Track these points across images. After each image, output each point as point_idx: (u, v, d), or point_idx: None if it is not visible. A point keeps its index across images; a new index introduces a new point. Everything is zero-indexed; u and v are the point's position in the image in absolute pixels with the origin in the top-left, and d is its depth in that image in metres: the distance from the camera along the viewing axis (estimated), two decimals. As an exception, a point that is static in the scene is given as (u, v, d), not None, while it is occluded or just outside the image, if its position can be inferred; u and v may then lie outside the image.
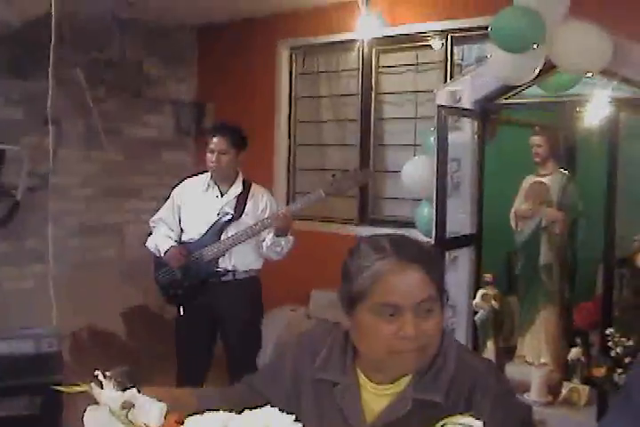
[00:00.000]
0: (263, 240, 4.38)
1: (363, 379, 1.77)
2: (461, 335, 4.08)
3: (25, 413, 3.72)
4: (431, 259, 1.71)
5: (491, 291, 3.96)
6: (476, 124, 4.07)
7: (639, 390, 1.58)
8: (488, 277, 3.98)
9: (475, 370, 1.71)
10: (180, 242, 4.49)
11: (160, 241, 4.50)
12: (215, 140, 4.38)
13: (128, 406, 1.50)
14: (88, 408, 1.52)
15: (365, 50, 5.59)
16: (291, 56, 6.07)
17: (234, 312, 4.41)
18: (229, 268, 4.42)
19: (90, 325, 5.79)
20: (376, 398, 1.75)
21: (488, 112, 4.05)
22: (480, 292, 3.98)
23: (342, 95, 5.88)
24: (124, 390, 1.55)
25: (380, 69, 5.65)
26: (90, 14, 5.31)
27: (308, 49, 5.99)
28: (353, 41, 5.54)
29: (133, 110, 6.21)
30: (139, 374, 1.71)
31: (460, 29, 5.08)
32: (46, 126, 4.79)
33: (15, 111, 5.54)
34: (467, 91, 4.00)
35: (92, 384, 1.53)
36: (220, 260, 4.42)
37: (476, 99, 3.99)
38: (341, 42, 5.67)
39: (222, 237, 4.42)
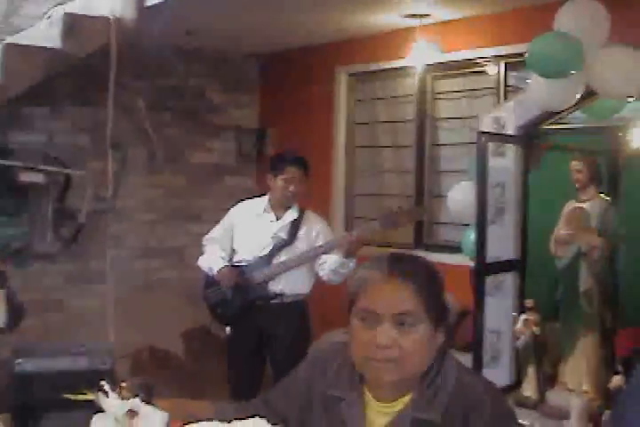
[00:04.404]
0: (323, 263, 4.45)
1: (368, 396, 1.83)
2: (505, 361, 4.09)
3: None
4: (426, 278, 1.77)
5: (532, 316, 3.96)
6: (519, 149, 4.10)
7: (631, 409, 1.61)
8: (529, 302, 3.99)
9: (473, 390, 1.74)
10: (230, 263, 4.60)
11: (213, 260, 4.60)
12: (292, 169, 4.47)
13: (132, 414, 1.60)
14: (95, 416, 1.63)
15: (421, 76, 5.65)
16: (349, 82, 6.16)
17: (280, 335, 4.47)
18: (278, 291, 4.48)
19: (150, 345, 5.93)
20: (379, 415, 1.80)
21: (531, 138, 4.06)
22: (521, 317, 3.99)
23: (399, 121, 5.94)
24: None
25: (435, 95, 5.70)
26: (150, 44, 5.50)
27: (366, 75, 6.08)
28: (409, 67, 5.59)
29: (196, 136, 6.38)
30: (153, 386, 1.81)
31: (514, 55, 5.08)
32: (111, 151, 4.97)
33: (82, 137, 5.75)
34: (510, 117, 4.02)
35: (99, 393, 1.64)
36: (269, 283, 4.50)
37: (519, 124, 4.00)
38: (397, 68, 5.74)
39: (274, 260, 4.50)
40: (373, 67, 5.90)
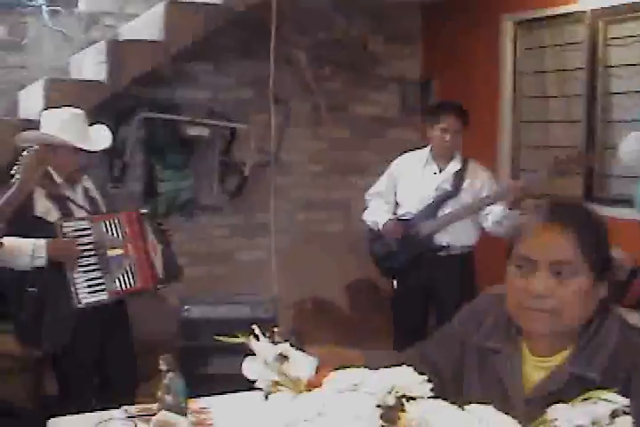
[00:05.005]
0: (487, 214, 4.37)
1: (524, 350, 1.77)
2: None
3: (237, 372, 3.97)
4: (588, 227, 1.69)
5: None
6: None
7: None
8: None
9: (638, 349, 1.66)
10: (395, 216, 4.58)
11: (377, 214, 4.61)
12: (449, 119, 4.41)
13: (282, 358, 1.60)
14: (246, 359, 1.65)
15: (591, 21, 5.38)
16: (515, 31, 5.95)
17: (447, 287, 4.45)
18: (444, 243, 4.46)
19: (314, 296, 6.01)
20: (535, 370, 1.75)
21: None
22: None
23: (568, 70, 5.70)
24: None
25: (607, 42, 5.42)
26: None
27: (533, 23, 5.84)
28: (578, 12, 5.35)
29: (359, 88, 6.33)
30: (304, 333, 1.81)
31: (693, -5, 4.78)
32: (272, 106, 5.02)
33: (246, 91, 5.80)
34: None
35: (251, 337, 1.65)
36: (435, 235, 4.46)
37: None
38: (566, 14, 5.49)
39: (439, 213, 4.46)
40: (540, 13, 5.66)
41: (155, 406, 2.32)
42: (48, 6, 5.08)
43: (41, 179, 3.43)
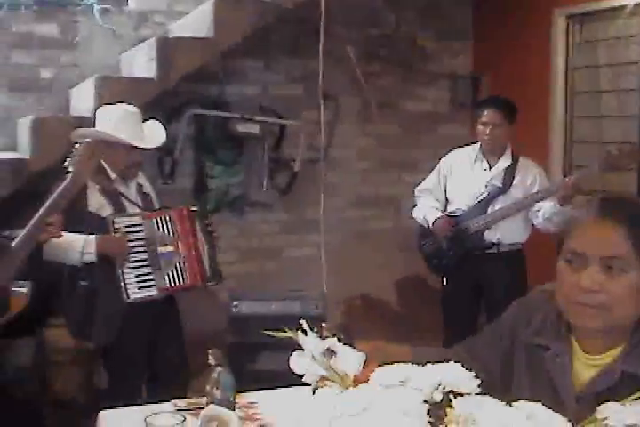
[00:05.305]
0: (538, 210, 4.33)
1: (575, 347, 1.74)
2: None
3: (283, 369, 3.98)
4: None
5: None
6: None
7: None
8: None
9: None
10: (444, 213, 4.55)
11: (427, 211, 4.59)
12: (488, 113, 4.38)
13: (330, 353, 1.60)
14: (293, 354, 1.65)
15: (646, 14, 5.30)
16: (567, 25, 5.87)
17: (497, 285, 4.41)
18: (494, 240, 4.42)
19: (363, 292, 6.00)
20: (585, 367, 1.72)
21: None
22: None
23: (622, 64, 5.61)
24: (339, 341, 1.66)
25: (663, 35, 5.33)
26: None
27: (586, 16, 5.76)
28: (634, 5, 5.26)
29: (408, 84, 6.30)
30: (353, 329, 1.81)
31: None
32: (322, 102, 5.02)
33: (296, 88, 5.82)
34: None
35: (299, 332, 1.65)
36: (485, 232, 4.43)
37: None
38: (620, 7, 5.40)
39: (489, 209, 4.43)
40: (593, 6, 5.58)
41: (204, 400, 2.34)
42: (99, 5, 5.13)
43: (95, 174, 3.47)
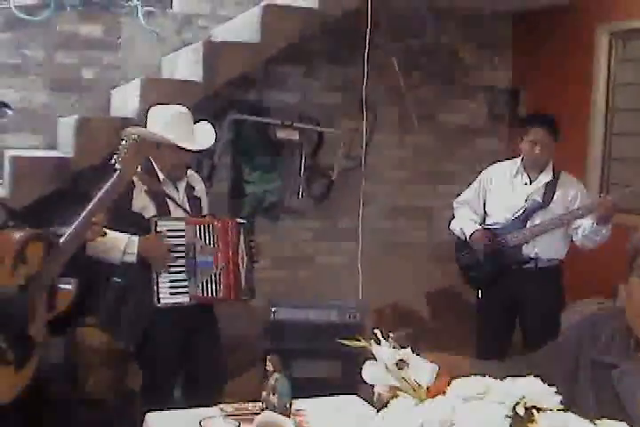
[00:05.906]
0: (577, 227, 4.30)
1: None
2: None
3: (326, 375, 3.98)
4: None
5: None
6: None
7: None
8: None
9: None
10: (483, 226, 4.53)
11: (465, 223, 4.57)
12: (537, 131, 4.35)
13: (402, 364, 1.59)
14: (366, 363, 1.63)
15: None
16: (610, 41, 5.84)
17: (534, 300, 4.37)
18: (532, 255, 4.38)
19: (395, 302, 5.98)
20: None
21: None
22: None
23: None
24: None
25: None
26: (406, 4, 5.47)
27: (629, 33, 5.73)
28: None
29: (447, 96, 6.29)
30: (420, 338, 1.79)
31: None
32: (362, 111, 5.02)
33: (335, 96, 5.83)
34: None
35: (372, 342, 1.64)
36: (523, 247, 4.40)
37: None
38: (665, 25, 5.38)
39: (528, 224, 4.39)
40: (637, 24, 5.54)
41: (250, 405, 2.33)
42: (143, 7, 5.16)
43: (143, 175, 3.47)
